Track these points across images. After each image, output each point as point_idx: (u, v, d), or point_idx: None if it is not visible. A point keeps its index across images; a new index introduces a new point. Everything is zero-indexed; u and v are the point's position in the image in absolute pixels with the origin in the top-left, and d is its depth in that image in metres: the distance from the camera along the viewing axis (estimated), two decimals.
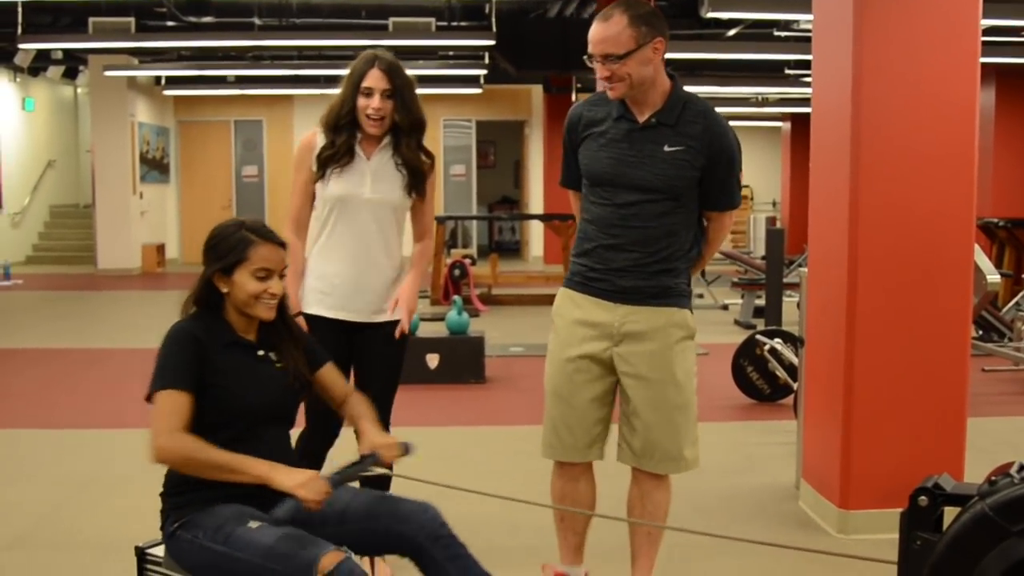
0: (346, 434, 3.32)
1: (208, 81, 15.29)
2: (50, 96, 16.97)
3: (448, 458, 4.85)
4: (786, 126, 17.83)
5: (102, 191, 14.87)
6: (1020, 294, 8.77)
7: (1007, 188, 11.60)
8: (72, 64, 15.15)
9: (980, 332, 7.80)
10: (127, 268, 14.95)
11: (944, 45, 3.82)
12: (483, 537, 2.65)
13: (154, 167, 16.31)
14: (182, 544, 2.44)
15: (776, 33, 10.20)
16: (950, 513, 2.20)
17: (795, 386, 5.21)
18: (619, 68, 2.84)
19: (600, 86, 3.02)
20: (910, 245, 3.85)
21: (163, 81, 15.71)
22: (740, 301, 10.36)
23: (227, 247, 2.56)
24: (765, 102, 15.99)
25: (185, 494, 2.48)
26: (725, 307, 11.07)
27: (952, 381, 3.91)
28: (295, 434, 2.81)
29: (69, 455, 5.16)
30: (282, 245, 2.64)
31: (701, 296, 11.66)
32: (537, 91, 17.06)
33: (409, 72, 3.27)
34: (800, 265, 10.36)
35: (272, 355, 2.63)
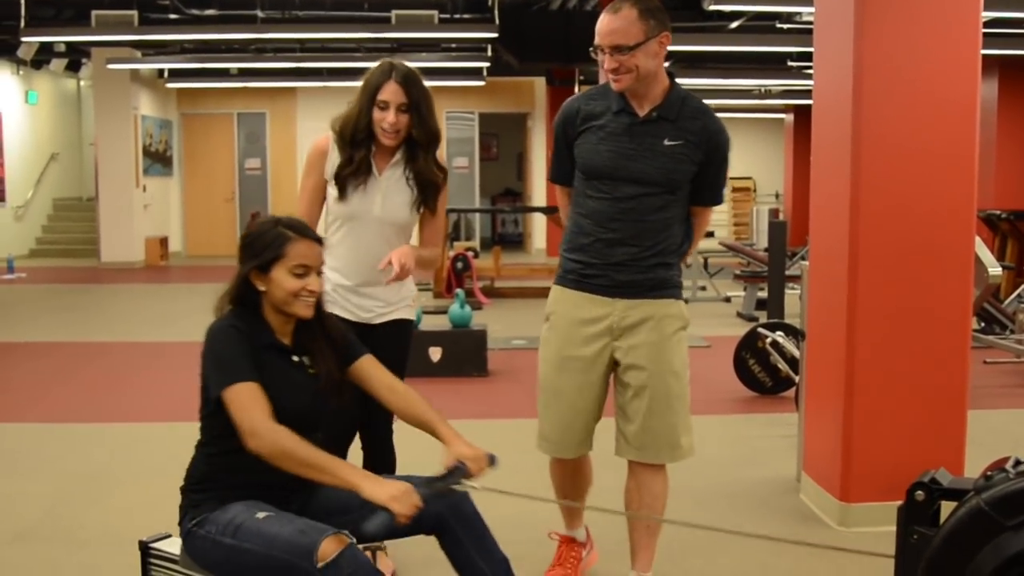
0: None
1: (211, 74, 15.31)
2: (53, 89, 16.99)
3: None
4: (789, 118, 17.81)
5: (105, 184, 14.89)
6: (1022, 286, 8.76)
7: (1010, 180, 11.59)
8: (75, 57, 15.15)
9: (982, 324, 7.80)
10: (130, 261, 14.97)
11: (945, 38, 3.82)
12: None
13: (157, 160, 16.32)
14: (196, 541, 2.46)
15: (778, 25, 10.19)
16: (947, 508, 2.22)
17: (797, 379, 5.21)
18: (628, 60, 2.88)
19: (602, 78, 3.04)
20: (911, 238, 3.86)
21: (166, 74, 15.72)
22: (742, 293, 10.36)
23: (263, 244, 2.54)
24: (768, 94, 15.97)
25: (205, 491, 2.49)
26: (727, 299, 11.08)
27: (953, 374, 3.92)
28: None
29: (72, 449, 5.17)
30: (319, 241, 2.60)
31: (704, 288, 11.67)
32: (540, 83, 17.05)
33: (421, 74, 3.20)
34: (802, 258, 10.36)
35: (305, 359, 2.61)
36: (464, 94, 16.66)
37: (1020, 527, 2.01)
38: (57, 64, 15.51)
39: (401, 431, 3.24)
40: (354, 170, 3.16)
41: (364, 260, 3.21)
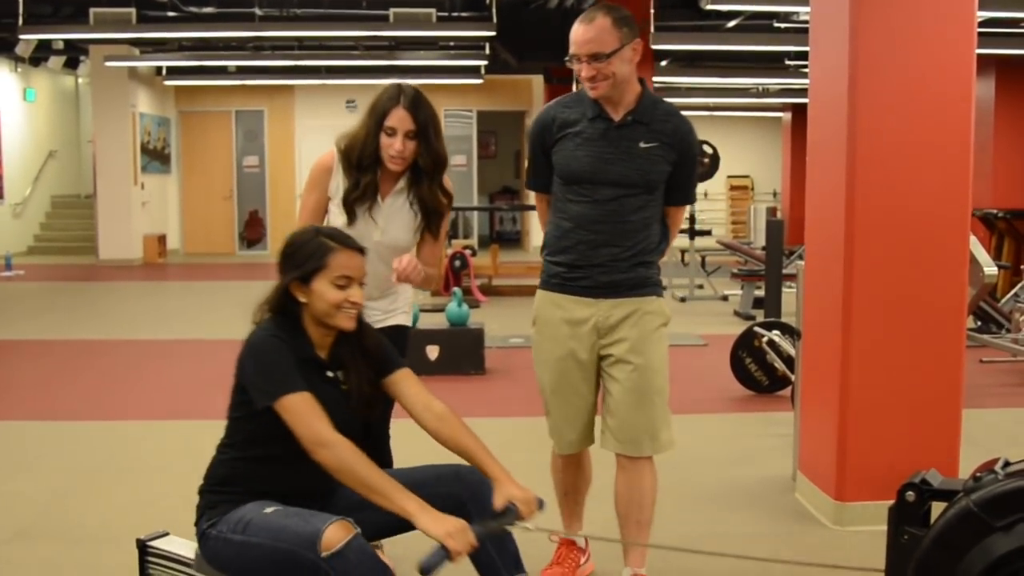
0: None
1: (209, 71, 15.30)
2: (51, 86, 16.99)
3: (448, 451, 4.86)
4: (787, 116, 17.80)
5: (103, 181, 14.89)
6: (1019, 285, 8.77)
7: (1007, 179, 11.60)
8: (73, 54, 15.15)
9: (978, 323, 7.82)
10: (128, 259, 14.98)
11: (940, 37, 3.83)
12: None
13: (155, 157, 16.33)
14: (209, 542, 2.47)
15: (776, 24, 10.21)
16: (939, 508, 2.23)
17: (793, 378, 5.23)
18: (605, 67, 2.97)
19: (574, 87, 3.09)
20: (906, 238, 3.87)
21: (164, 71, 15.72)
22: (740, 292, 10.38)
23: (304, 255, 2.51)
24: (766, 93, 15.98)
25: (224, 493, 2.49)
26: (725, 298, 11.09)
27: (947, 373, 3.93)
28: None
29: (71, 447, 5.19)
30: (361, 251, 2.57)
31: (701, 287, 11.69)
32: (538, 81, 17.06)
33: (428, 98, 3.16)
34: (799, 256, 10.38)
35: (339, 374, 2.59)
36: (462, 92, 16.67)
37: (1008, 528, 2.03)
38: (55, 61, 15.51)
39: (401, 431, 3.26)
40: (360, 194, 3.13)
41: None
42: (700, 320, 9.53)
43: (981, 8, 3.92)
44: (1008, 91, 11.63)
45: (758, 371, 6.39)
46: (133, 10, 10.68)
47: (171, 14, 11.10)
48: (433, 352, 6.94)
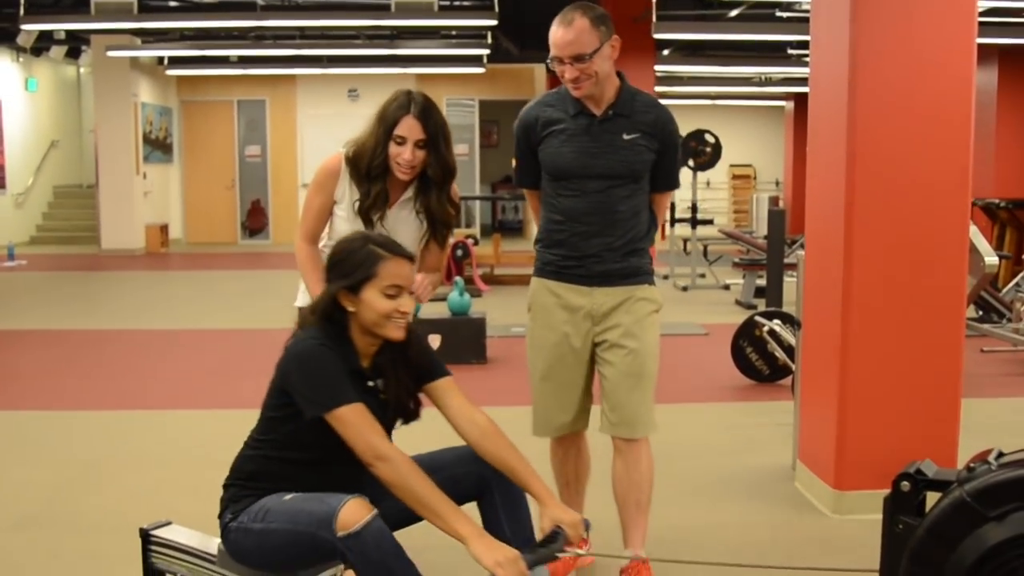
0: None
1: (211, 61, 15.30)
2: (53, 76, 16.99)
3: (451, 439, 4.89)
4: (789, 105, 17.79)
5: (105, 171, 14.91)
6: (1020, 275, 8.78)
7: (1009, 169, 11.59)
8: (75, 44, 15.14)
9: (980, 313, 7.83)
10: (131, 248, 15.00)
11: (940, 26, 3.83)
12: None
13: (157, 147, 16.34)
14: (231, 535, 2.46)
15: (778, 14, 10.19)
16: (934, 498, 2.25)
17: (794, 367, 5.25)
18: (588, 67, 3.06)
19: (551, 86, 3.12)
20: (906, 227, 3.88)
21: (166, 61, 15.70)
22: (742, 281, 10.39)
23: (354, 263, 2.46)
24: (768, 82, 15.97)
25: (249, 488, 2.48)
26: (726, 287, 11.10)
27: (946, 363, 3.94)
28: None
29: (74, 436, 5.21)
30: (411, 259, 2.53)
31: (703, 276, 11.69)
32: (540, 70, 17.03)
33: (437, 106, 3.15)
34: (801, 246, 10.38)
35: (379, 383, 2.56)
36: (464, 81, 16.65)
37: (1001, 518, 2.05)
38: (57, 51, 15.50)
39: (401, 431, 3.27)
40: (371, 204, 3.12)
41: None
42: (701, 309, 9.54)
43: None
44: (1010, 81, 11.61)
45: (759, 360, 6.40)
46: (134, 0, 10.67)
47: (173, 4, 11.11)
48: (435, 341, 6.95)
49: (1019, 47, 11.12)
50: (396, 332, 2.49)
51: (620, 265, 3.21)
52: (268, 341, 7.77)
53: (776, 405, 5.80)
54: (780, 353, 6.17)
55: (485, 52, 13.37)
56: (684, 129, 11.83)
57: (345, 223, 3.17)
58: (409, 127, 3.05)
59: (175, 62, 15.63)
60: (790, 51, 12.87)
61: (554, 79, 15.81)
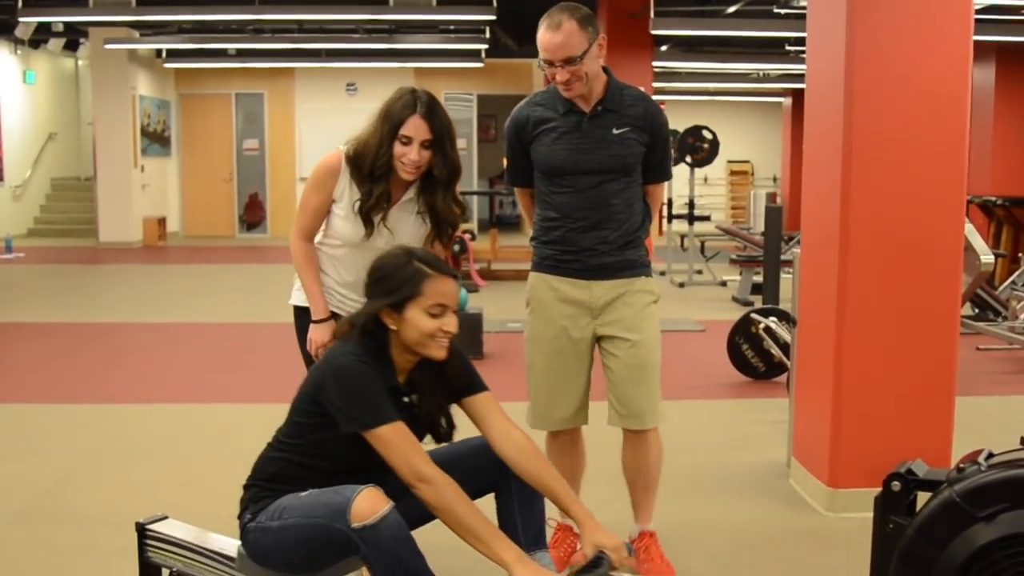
0: None
1: (209, 54, 15.29)
2: (51, 69, 16.96)
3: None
4: (787, 102, 17.79)
5: (103, 164, 14.90)
6: (1016, 273, 8.80)
7: (1006, 166, 11.60)
8: (73, 37, 15.14)
9: (976, 311, 7.84)
10: (128, 241, 15.01)
11: (936, 24, 3.83)
12: None
13: (155, 140, 16.33)
14: (249, 535, 2.45)
15: (776, 10, 10.19)
16: (924, 498, 2.26)
17: (789, 365, 5.26)
18: (578, 69, 3.10)
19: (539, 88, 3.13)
20: (901, 226, 3.88)
21: (164, 54, 15.70)
22: (738, 278, 10.39)
23: (398, 281, 2.42)
24: (766, 78, 15.97)
25: (270, 489, 2.47)
26: (723, 283, 11.11)
27: (941, 361, 3.95)
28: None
29: (70, 430, 5.21)
30: (455, 277, 2.49)
31: (700, 272, 11.70)
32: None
33: (444, 103, 3.13)
34: (798, 243, 10.39)
35: (414, 398, 2.54)
36: (462, 76, 16.64)
37: (990, 518, 2.06)
38: (55, 44, 15.49)
39: None
40: (374, 204, 3.06)
41: (361, 278, 3.16)
42: (698, 305, 9.54)
43: None
44: (1008, 78, 11.61)
45: (755, 357, 6.41)
46: None
47: None
48: None
49: (1017, 44, 11.11)
50: (439, 352, 2.45)
51: (616, 258, 3.26)
52: (265, 335, 7.78)
53: (771, 402, 5.81)
54: (776, 350, 6.18)
55: (483, 47, 13.37)
56: (682, 125, 11.94)
57: (344, 222, 3.13)
58: (415, 127, 2.98)
59: (173, 55, 15.62)
60: (788, 47, 12.88)
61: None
